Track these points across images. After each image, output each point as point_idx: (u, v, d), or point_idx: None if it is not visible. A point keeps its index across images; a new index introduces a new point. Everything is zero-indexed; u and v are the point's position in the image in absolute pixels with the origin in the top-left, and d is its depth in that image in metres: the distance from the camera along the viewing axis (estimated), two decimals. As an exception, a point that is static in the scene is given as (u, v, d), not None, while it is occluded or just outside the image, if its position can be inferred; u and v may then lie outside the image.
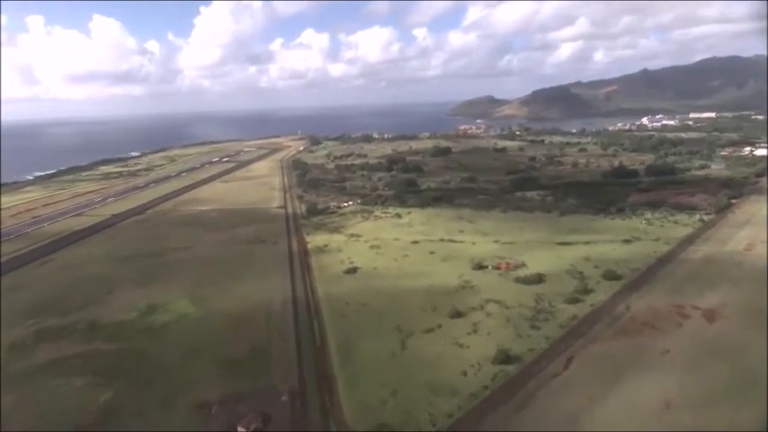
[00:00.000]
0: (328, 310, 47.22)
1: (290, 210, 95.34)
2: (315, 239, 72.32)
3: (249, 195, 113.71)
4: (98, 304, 51.38)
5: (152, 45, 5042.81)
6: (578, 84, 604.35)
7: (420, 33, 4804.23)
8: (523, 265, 56.19)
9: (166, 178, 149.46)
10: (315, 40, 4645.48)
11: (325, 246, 68.48)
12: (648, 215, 76.24)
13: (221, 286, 54.75)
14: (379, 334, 41.42)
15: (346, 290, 51.74)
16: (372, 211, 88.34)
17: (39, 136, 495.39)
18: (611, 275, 50.80)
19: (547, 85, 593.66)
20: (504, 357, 36.20)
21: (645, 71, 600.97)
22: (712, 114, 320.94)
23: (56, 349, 42.20)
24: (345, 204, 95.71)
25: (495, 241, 66.45)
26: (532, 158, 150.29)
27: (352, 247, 67.02)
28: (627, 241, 63.33)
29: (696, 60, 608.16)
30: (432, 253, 62.50)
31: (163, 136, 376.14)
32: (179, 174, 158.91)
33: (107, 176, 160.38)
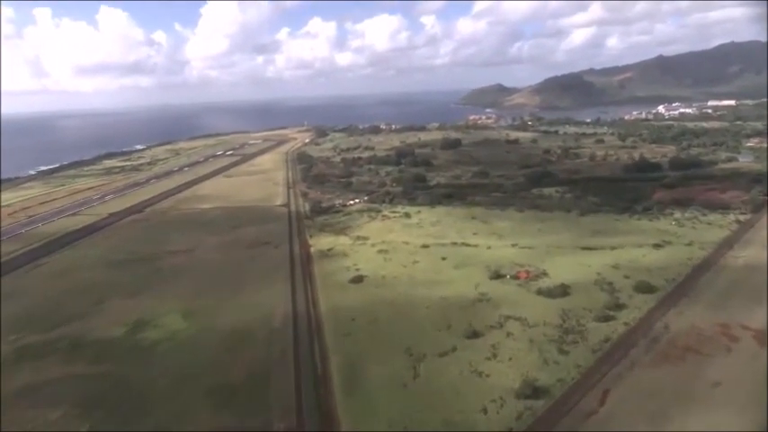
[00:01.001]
0: (331, 327, 42.95)
1: (293, 208, 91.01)
2: (319, 242, 68.02)
3: (252, 192, 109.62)
4: (85, 318, 47.75)
5: (159, 36, 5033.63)
6: (591, 71, 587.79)
7: (428, 21, 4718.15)
8: (545, 273, 51.28)
9: (169, 173, 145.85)
10: (321, 28, 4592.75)
11: (330, 249, 64.15)
12: (678, 215, 70.43)
13: (217, 297, 50.79)
14: (387, 358, 37.08)
15: (351, 302, 47.38)
16: (380, 210, 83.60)
17: (46, 129, 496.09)
18: (644, 287, 45.66)
19: (558, 73, 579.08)
20: (531, 390, 31.62)
21: (660, 57, 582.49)
22: (732, 102, 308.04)
23: (34, 372, 38.59)
24: (351, 202, 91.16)
25: (513, 245, 61.53)
26: (547, 151, 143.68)
27: (358, 252, 62.61)
28: (657, 245, 57.94)
29: (715, 45, 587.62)
30: (444, 259, 57.81)
31: (170, 127, 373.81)
32: (182, 168, 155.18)
33: (109, 171, 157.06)
